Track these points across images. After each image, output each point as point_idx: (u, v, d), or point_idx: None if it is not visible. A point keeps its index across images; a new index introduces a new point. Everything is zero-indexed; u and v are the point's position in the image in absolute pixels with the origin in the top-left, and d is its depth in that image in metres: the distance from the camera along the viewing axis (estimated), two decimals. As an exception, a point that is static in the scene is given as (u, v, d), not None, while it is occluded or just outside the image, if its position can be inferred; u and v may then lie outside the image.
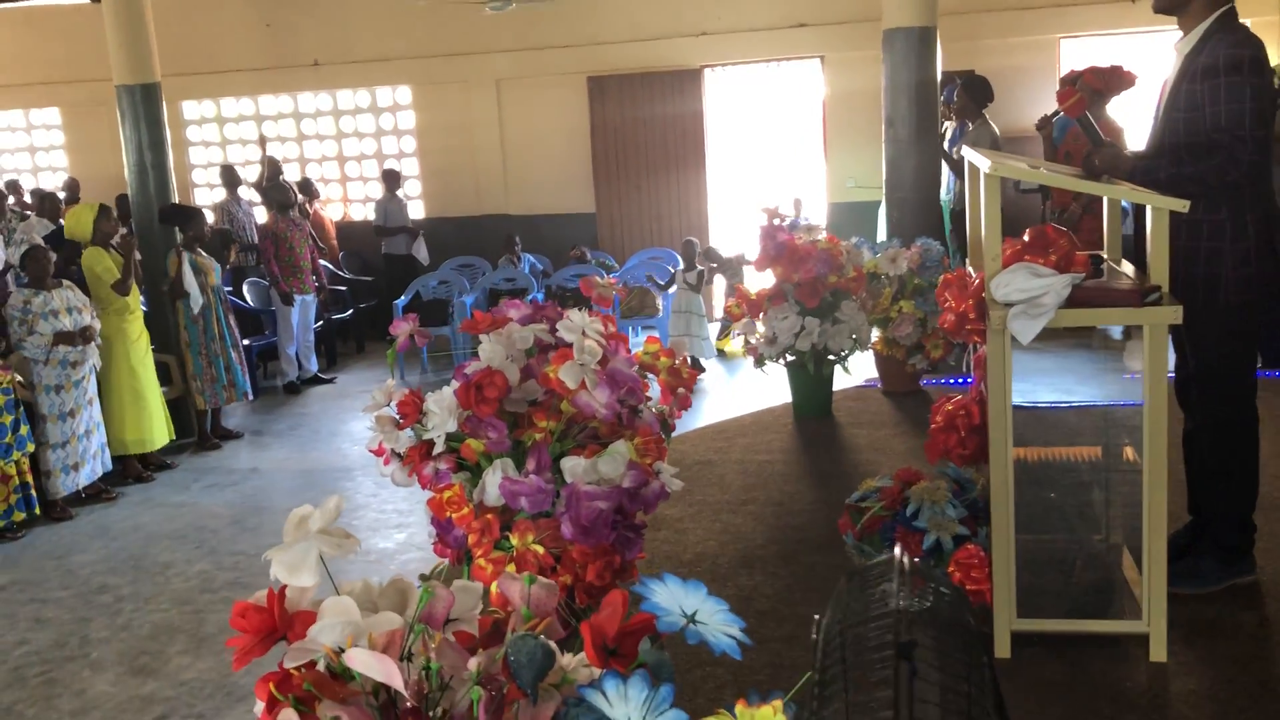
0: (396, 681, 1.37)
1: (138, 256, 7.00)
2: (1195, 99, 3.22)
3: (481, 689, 1.44)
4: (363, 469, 6.77)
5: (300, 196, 10.80)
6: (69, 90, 12.28)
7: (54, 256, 6.45)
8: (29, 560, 5.70)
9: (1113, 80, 6.52)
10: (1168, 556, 3.06)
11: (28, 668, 4.45)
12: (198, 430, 7.63)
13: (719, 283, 10.05)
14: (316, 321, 9.58)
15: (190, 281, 7.37)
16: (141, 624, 4.79)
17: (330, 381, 9.42)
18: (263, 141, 11.80)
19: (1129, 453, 3.55)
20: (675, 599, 1.50)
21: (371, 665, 1.38)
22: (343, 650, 1.45)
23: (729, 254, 10.09)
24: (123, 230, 6.99)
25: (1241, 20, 3.31)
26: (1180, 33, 3.37)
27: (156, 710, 4.04)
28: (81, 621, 4.87)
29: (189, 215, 7.72)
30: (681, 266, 9.20)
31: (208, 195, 12.38)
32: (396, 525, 5.73)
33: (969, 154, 3.54)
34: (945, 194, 7.85)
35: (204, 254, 7.67)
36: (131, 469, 6.94)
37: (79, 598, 5.14)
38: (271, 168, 11.00)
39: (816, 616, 1.31)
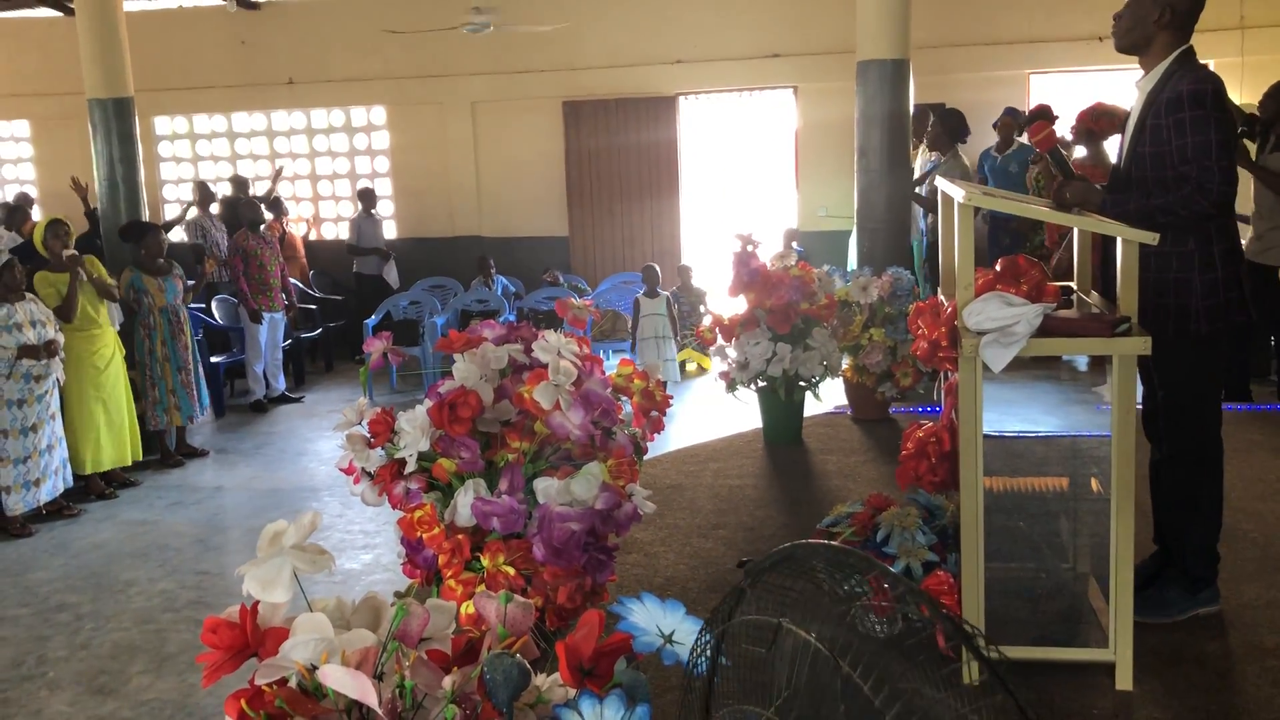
0: (371, 699, 1.36)
1: (83, 277, 6.78)
2: (1160, 134, 3.29)
3: (456, 708, 1.43)
4: (329, 489, 6.71)
5: (270, 214, 10.76)
6: (39, 103, 12.18)
7: (23, 270, 6.35)
8: (-14, 577, 5.60)
9: (1104, 121, 6.66)
10: (1134, 586, 3.09)
11: (-17, 686, 4.36)
12: (161, 448, 7.53)
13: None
14: (285, 340, 9.50)
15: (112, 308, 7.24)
16: (101, 643, 4.71)
17: (298, 400, 9.35)
18: (273, 160, 11.80)
19: (1095, 484, 3.59)
20: (652, 619, 1.50)
21: (346, 682, 1.37)
22: (315, 667, 1.44)
23: (698, 284, 10.10)
24: (69, 251, 6.72)
25: (1206, 60, 3.39)
26: (1141, 71, 3.45)
27: (115, 731, 3.97)
28: (39, 640, 4.77)
29: (143, 231, 7.64)
30: (644, 291, 9.17)
31: (177, 211, 12.28)
32: (363, 546, 5.68)
33: (942, 184, 3.58)
34: (916, 235, 7.94)
35: (173, 264, 7.59)
36: (94, 486, 6.84)
37: (37, 616, 5.05)
38: (238, 185, 10.95)
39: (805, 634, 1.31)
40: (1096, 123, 6.72)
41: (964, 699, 1.12)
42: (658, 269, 9.36)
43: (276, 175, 11.46)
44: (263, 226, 9.18)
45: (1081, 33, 9.63)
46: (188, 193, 11.98)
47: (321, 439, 7.97)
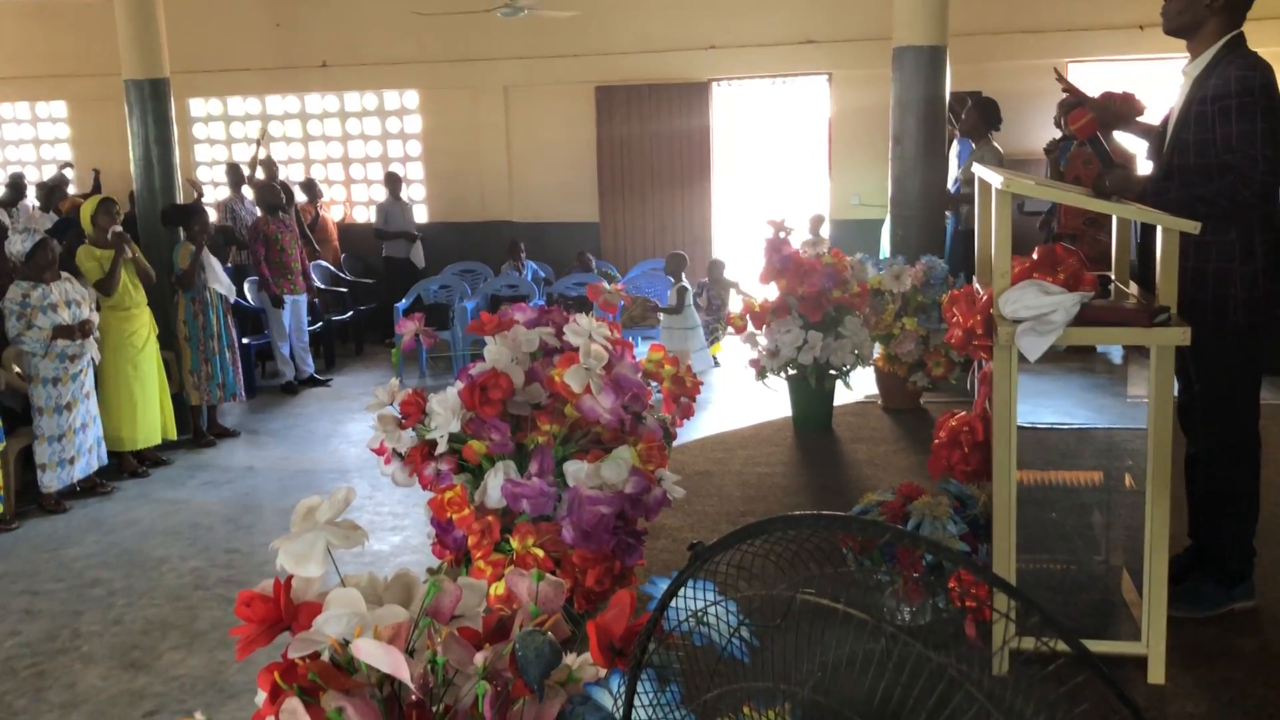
0: (404, 674, 1.36)
1: (129, 254, 6.88)
2: (1205, 122, 3.23)
3: (487, 684, 1.43)
4: (359, 470, 6.75)
5: (303, 197, 10.80)
6: (77, 83, 12.28)
7: (58, 249, 6.42)
8: (22, 552, 5.67)
9: (1122, 107, 6.53)
10: (1168, 579, 3.06)
11: (18, 659, 4.42)
12: (193, 427, 7.60)
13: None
14: (315, 323, 9.55)
15: (218, 273, 7.40)
16: (134, 619, 4.76)
17: (326, 383, 9.39)
18: (261, 140, 11.70)
19: (1129, 479, 3.55)
20: (683, 599, 1.49)
21: (379, 656, 1.37)
22: (348, 642, 1.44)
23: (730, 277, 10.00)
24: (115, 228, 6.87)
25: (1251, 48, 3.32)
26: (1188, 57, 3.39)
27: (147, 705, 4.01)
28: (73, 614, 4.84)
29: (192, 213, 7.70)
30: (675, 284, 9.08)
31: (211, 193, 12.37)
32: (392, 528, 5.71)
33: (980, 171, 3.54)
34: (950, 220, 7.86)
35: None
36: (127, 464, 6.91)
37: (71, 591, 5.11)
38: (269, 169, 10.99)
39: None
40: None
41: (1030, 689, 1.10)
42: (683, 255, 9.30)
43: (260, 139, 11.41)
44: (292, 208, 9.22)
45: (1122, 21, 9.49)
46: (222, 174, 12.06)
47: (351, 421, 8.01)
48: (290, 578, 1.59)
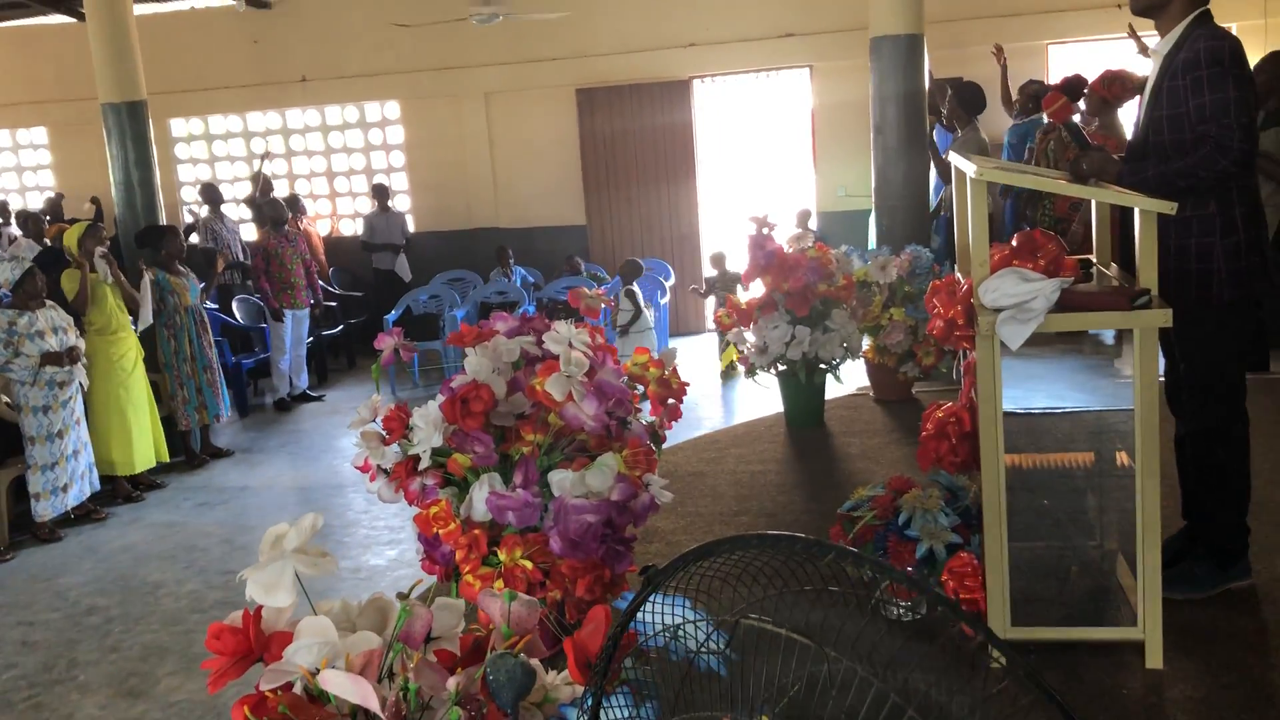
0: (371, 703, 1.34)
1: (109, 277, 6.86)
2: (1177, 95, 3.21)
3: (461, 709, 1.41)
4: (354, 485, 6.72)
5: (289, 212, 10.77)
6: (56, 109, 12.25)
7: (44, 279, 6.40)
8: (17, 582, 5.64)
9: (1117, 87, 6.51)
10: (1162, 562, 3.04)
11: (15, 691, 4.39)
12: (186, 449, 7.57)
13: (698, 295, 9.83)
14: (308, 337, 9.53)
15: (145, 300, 7.26)
16: (131, 645, 4.74)
17: (319, 399, 9.36)
18: (266, 157, 11.75)
19: (1122, 458, 3.52)
20: (660, 615, 1.47)
21: (346, 687, 1.35)
22: (318, 671, 1.42)
23: (733, 270, 9.89)
24: (102, 250, 6.88)
25: (1228, 24, 3.31)
26: (1157, 36, 3.37)
27: (145, 733, 3.99)
28: (70, 643, 4.81)
29: (161, 234, 7.67)
30: (623, 288, 8.95)
31: (189, 218, 12.34)
32: (388, 542, 5.69)
33: (956, 159, 3.52)
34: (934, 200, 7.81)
35: (185, 269, 7.62)
36: (121, 489, 6.88)
37: (68, 619, 5.08)
38: (264, 184, 10.98)
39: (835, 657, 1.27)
40: (1109, 89, 6.58)
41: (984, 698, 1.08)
42: (638, 262, 9.22)
43: (264, 159, 11.47)
44: (286, 225, 9.20)
45: (1099, 0, 9.48)
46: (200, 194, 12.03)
47: (345, 436, 7.98)
48: (260, 608, 1.57)
